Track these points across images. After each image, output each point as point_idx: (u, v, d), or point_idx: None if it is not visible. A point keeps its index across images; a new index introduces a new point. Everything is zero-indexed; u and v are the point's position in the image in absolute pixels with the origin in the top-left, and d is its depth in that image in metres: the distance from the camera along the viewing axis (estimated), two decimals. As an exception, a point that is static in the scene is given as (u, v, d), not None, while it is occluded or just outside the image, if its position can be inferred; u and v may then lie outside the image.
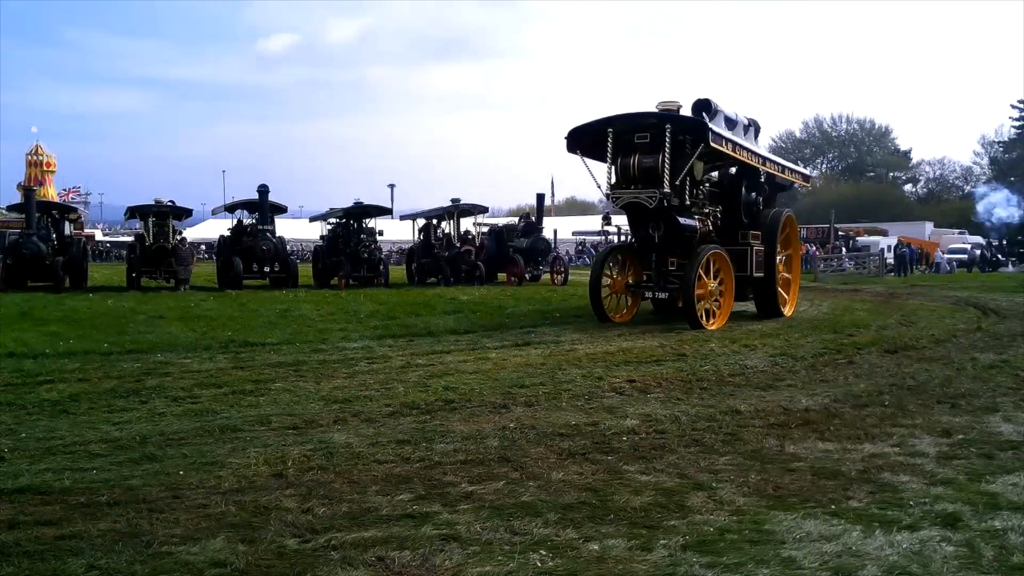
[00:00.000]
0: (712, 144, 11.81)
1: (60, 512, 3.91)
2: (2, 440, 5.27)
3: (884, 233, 49.23)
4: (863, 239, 46.17)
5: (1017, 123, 74.66)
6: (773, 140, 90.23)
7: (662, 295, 12.93)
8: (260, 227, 23.62)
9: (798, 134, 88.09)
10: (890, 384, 7.45)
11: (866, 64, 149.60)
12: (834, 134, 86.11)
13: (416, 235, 28.11)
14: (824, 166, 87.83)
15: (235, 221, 25.59)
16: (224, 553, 3.39)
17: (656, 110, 12.45)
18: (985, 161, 79.21)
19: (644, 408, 6.36)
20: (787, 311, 14.49)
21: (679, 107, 12.58)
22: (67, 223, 25.31)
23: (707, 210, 13.41)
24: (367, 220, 25.71)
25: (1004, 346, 10.06)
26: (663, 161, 11.88)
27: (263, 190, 23.78)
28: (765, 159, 14.19)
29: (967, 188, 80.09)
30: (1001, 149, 77.14)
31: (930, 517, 3.87)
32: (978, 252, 42.59)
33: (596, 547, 3.49)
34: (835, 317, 13.85)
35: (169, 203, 24.97)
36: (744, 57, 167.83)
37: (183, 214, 25.59)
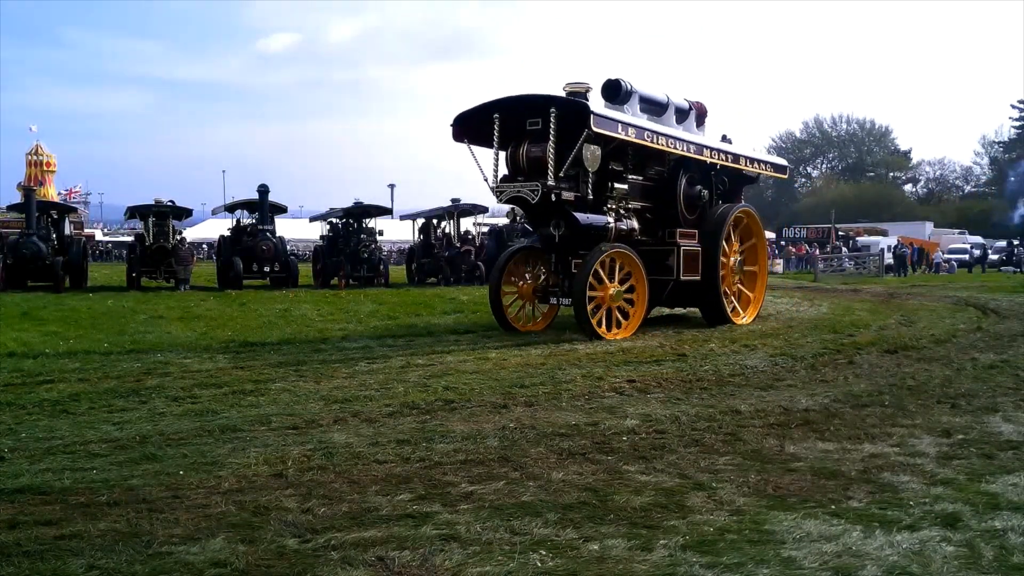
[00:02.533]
0: (595, 129, 10.35)
1: (60, 512, 3.91)
2: (2, 440, 5.28)
3: (884, 233, 49.23)
4: (863, 239, 46.15)
5: (1017, 123, 74.76)
6: (773, 140, 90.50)
7: (566, 302, 11.39)
8: (260, 227, 23.63)
9: (798, 134, 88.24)
10: (890, 384, 7.45)
11: (866, 64, 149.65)
12: (834, 134, 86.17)
13: (416, 235, 28.11)
14: (824, 166, 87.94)
15: (235, 221, 25.61)
16: (224, 553, 3.39)
17: (545, 93, 11.08)
18: (985, 161, 79.32)
19: (644, 408, 6.36)
20: (744, 318, 13.15)
21: (587, 90, 11.12)
22: (67, 223, 25.33)
23: (630, 205, 12.08)
24: (367, 220, 25.73)
25: (1004, 346, 10.06)
26: (548, 149, 10.63)
27: (263, 190, 23.80)
28: (703, 147, 12.66)
29: (967, 188, 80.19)
30: (1001, 149, 77.18)
31: (930, 517, 3.87)
32: (978, 252, 42.59)
33: (596, 547, 3.48)
34: (835, 317, 13.85)
35: (169, 203, 24.99)
36: (744, 57, 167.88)
37: (183, 214, 25.61)
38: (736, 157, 13.63)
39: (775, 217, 75.53)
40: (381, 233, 26.63)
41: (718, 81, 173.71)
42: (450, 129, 11.74)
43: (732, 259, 13.14)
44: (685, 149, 12.21)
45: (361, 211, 25.52)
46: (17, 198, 34.07)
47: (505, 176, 11.35)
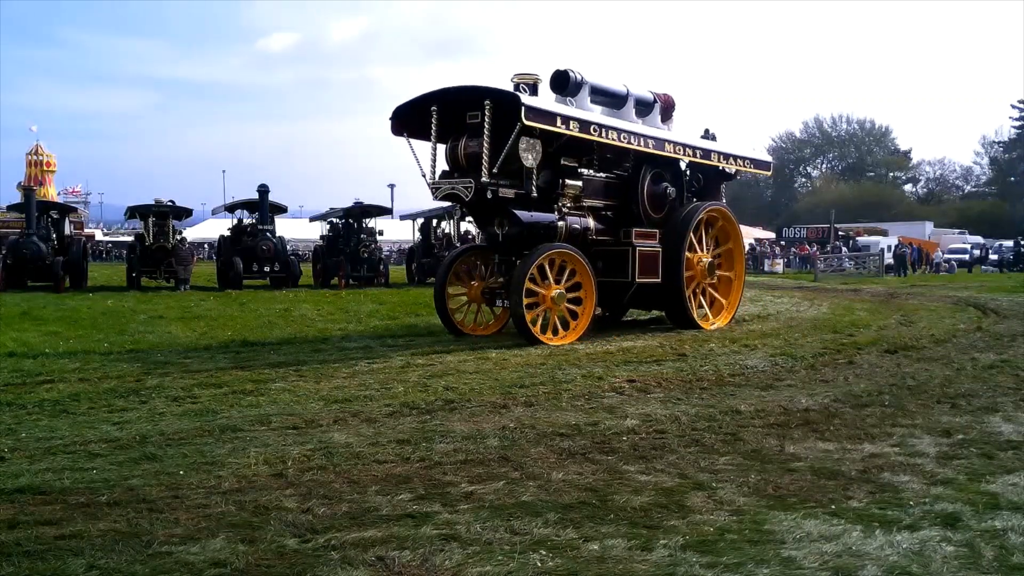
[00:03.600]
0: (528, 122, 9.79)
1: (60, 512, 3.90)
2: (2, 440, 5.27)
3: (884, 233, 49.20)
4: (863, 239, 46.15)
5: (1017, 123, 74.71)
6: (773, 140, 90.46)
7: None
8: (260, 227, 23.64)
9: (798, 134, 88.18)
10: (890, 384, 7.45)
11: (866, 64, 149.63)
12: (834, 134, 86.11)
13: (416, 235, 28.09)
14: (824, 166, 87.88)
15: (237, 221, 25.62)
16: (224, 553, 3.39)
17: (480, 84, 10.54)
18: (985, 161, 79.31)
19: (644, 408, 6.36)
20: (716, 321, 12.57)
21: (536, 81, 10.70)
22: (67, 223, 25.33)
23: (585, 203, 11.45)
24: (367, 220, 25.73)
25: (1004, 346, 10.06)
26: (483, 144, 10.14)
27: (263, 190, 23.81)
28: (665, 142, 11.90)
29: (967, 188, 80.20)
30: (1001, 149, 77.15)
31: (930, 517, 3.87)
32: (978, 252, 42.59)
33: (596, 547, 3.48)
34: (835, 317, 13.85)
35: (169, 203, 25.01)
36: (744, 57, 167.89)
37: (183, 214, 25.63)
38: (707, 152, 12.82)
39: (775, 217, 75.55)
40: (381, 233, 26.64)
41: (718, 81, 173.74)
42: (388, 123, 11.19)
43: (702, 261, 12.48)
44: (642, 144, 11.48)
45: (361, 211, 25.53)
46: (17, 198, 34.08)
47: (445, 172, 10.92)
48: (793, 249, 45.56)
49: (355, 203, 26.36)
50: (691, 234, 12.15)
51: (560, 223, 10.92)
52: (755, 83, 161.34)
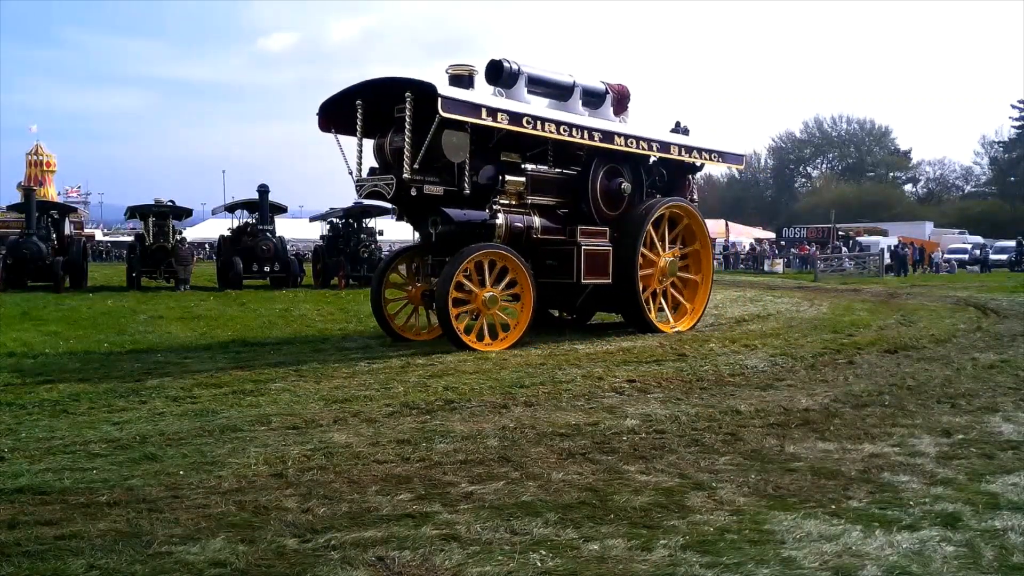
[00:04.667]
0: (446, 113, 9.16)
1: (60, 512, 3.90)
2: (2, 440, 5.28)
3: (884, 233, 49.20)
4: (864, 239, 46.15)
5: (1017, 123, 74.72)
6: (773, 140, 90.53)
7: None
8: (260, 227, 23.65)
9: (798, 134, 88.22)
10: (890, 384, 7.45)
11: (866, 64, 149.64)
12: (834, 134, 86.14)
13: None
14: (824, 166, 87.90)
15: (238, 222, 25.62)
16: (224, 553, 3.39)
17: (402, 76, 9.87)
18: (985, 161, 79.33)
19: (644, 408, 6.36)
20: (679, 324, 12.01)
21: (471, 72, 10.24)
22: (67, 223, 25.34)
23: (530, 200, 10.88)
24: (367, 220, 25.72)
25: (1004, 346, 10.06)
26: (405, 138, 9.56)
27: (263, 190, 23.81)
28: (613, 134, 11.12)
29: (967, 188, 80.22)
30: (1001, 149, 77.16)
31: (930, 517, 3.87)
32: (978, 252, 42.59)
33: (596, 547, 3.48)
34: (835, 317, 13.85)
35: (169, 203, 25.02)
36: (744, 57, 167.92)
37: (183, 214, 25.65)
38: (665, 145, 12.00)
39: (775, 217, 75.54)
40: (381, 233, 26.62)
41: (719, 81, 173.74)
42: (316, 119, 10.63)
43: (662, 260, 11.86)
44: (586, 137, 10.78)
45: (361, 211, 25.51)
46: (17, 198, 34.08)
47: (373, 169, 10.38)
48: (793, 249, 45.56)
49: (355, 203, 26.34)
50: (647, 232, 11.53)
51: (499, 221, 10.34)
52: (755, 83, 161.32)
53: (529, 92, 11.01)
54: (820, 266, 32.96)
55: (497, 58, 10.64)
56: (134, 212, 25.09)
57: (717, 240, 54.21)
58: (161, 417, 5.99)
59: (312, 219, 32.28)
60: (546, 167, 11.40)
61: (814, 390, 7.16)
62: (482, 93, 10.20)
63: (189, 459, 4.83)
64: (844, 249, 42.20)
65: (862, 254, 38.09)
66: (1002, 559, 3.37)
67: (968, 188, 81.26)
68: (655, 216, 11.68)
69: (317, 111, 10.55)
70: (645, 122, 12.69)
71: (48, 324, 12.41)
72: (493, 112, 9.71)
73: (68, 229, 25.26)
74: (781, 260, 41.95)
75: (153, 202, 24.86)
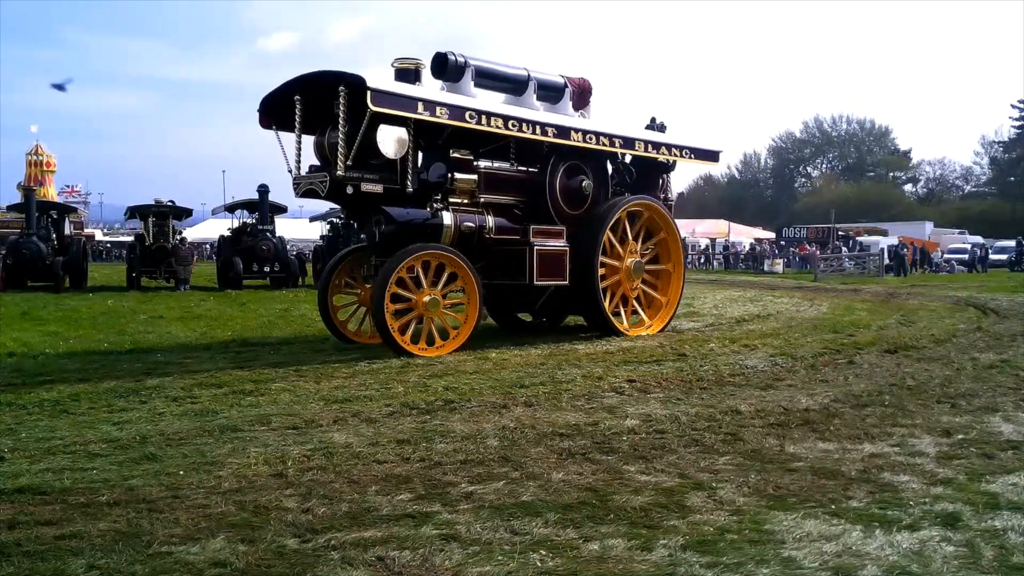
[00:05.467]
0: (376, 107, 8.75)
1: (60, 512, 3.91)
2: (2, 440, 5.28)
3: (884, 233, 49.20)
4: (863, 239, 46.16)
5: (1017, 123, 74.74)
6: (773, 140, 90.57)
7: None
8: (260, 227, 23.66)
9: (798, 134, 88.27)
10: (890, 384, 7.45)
11: (866, 64, 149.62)
12: (834, 134, 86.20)
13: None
14: (824, 166, 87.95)
15: (239, 222, 25.63)
16: (224, 553, 3.39)
17: (335, 69, 9.39)
18: (985, 161, 79.37)
19: (644, 408, 6.36)
20: (647, 328, 11.50)
21: (418, 66, 9.86)
22: (67, 223, 25.36)
23: (483, 199, 10.41)
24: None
25: (1004, 346, 10.06)
26: (339, 133, 9.22)
27: (263, 190, 23.83)
28: (570, 130, 10.69)
29: (967, 188, 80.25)
30: (1001, 149, 77.19)
31: (930, 517, 3.87)
32: (978, 252, 42.61)
33: (596, 547, 3.49)
34: (835, 317, 13.85)
35: (169, 203, 25.04)
36: (745, 57, 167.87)
37: (183, 214, 25.67)
38: (630, 142, 11.50)
39: (775, 217, 75.56)
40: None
41: (719, 81, 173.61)
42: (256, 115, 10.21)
43: (626, 261, 11.39)
44: (538, 132, 10.30)
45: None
46: (17, 198, 34.09)
47: (314, 167, 9.98)
48: (793, 249, 45.57)
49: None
50: (609, 232, 11.05)
51: (447, 221, 9.88)
52: (755, 83, 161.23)
53: (480, 86, 10.66)
54: (820, 266, 32.96)
55: (443, 51, 10.31)
56: (134, 212, 25.12)
57: (717, 240, 54.48)
58: (161, 417, 6.00)
59: (312, 219, 32.33)
60: (506, 164, 10.96)
61: (814, 390, 7.16)
62: (422, 87, 9.76)
63: (189, 459, 4.83)
64: (844, 249, 42.20)
65: (862, 254, 38.09)
66: (1002, 559, 3.37)
67: (968, 188, 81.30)
68: (617, 215, 11.18)
69: (258, 107, 10.15)
70: (618, 118, 12.38)
71: (48, 324, 12.42)
72: (431, 106, 9.29)
73: (68, 229, 25.28)
74: (781, 260, 41.95)
75: (153, 202, 24.87)
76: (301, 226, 44.53)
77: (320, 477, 4.50)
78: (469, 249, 10.14)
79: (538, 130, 10.33)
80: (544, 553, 3.41)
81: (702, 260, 49.01)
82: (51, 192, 54.36)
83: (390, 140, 9.17)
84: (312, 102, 9.60)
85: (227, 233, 24.98)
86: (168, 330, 11.90)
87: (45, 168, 56.67)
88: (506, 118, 10.02)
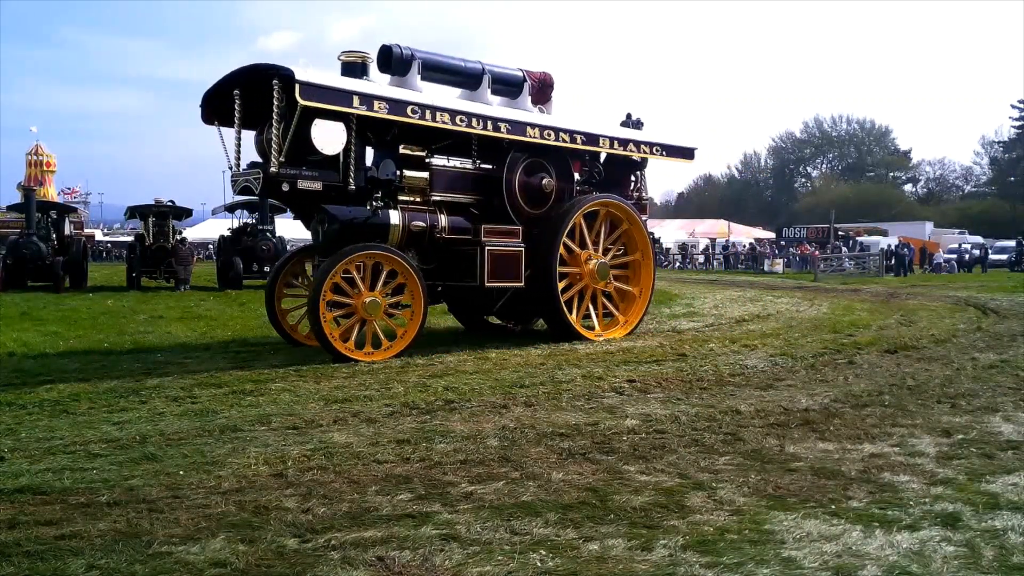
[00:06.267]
0: (306, 101, 8.38)
1: (60, 512, 3.91)
2: (2, 440, 5.28)
3: (884, 233, 49.22)
4: (863, 239, 46.18)
5: (1017, 123, 74.77)
6: (773, 140, 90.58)
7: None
8: (260, 227, 23.66)
9: (798, 134, 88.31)
10: (890, 384, 7.45)
11: (866, 64, 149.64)
12: (834, 134, 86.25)
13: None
14: (824, 166, 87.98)
15: (236, 222, 25.63)
16: (224, 553, 3.39)
17: (272, 63, 8.98)
18: (985, 161, 79.38)
19: (644, 408, 6.36)
20: (612, 332, 11.03)
21: (365, 60, 9.58)
22: (67, 223, 25.36)
23: (436, 197, 10.02)
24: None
25: (1004, 346, 10.06)
26: (272, 128, 8.87)
27: (263, 190, 23.75)
28: (526, 125, 10.26)
29: (967, 188, 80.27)
30: (1001, 149, 77.21)
31: (930, 517, 3.87)
32: (977, 252, 42.62)
33: (596, 547, 3.49)
34: (835, 317, 13.85)
35: (169, 203, 25.04)
36: (745, 57, 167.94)
37: (183, 214, 25.65)
38: (592, 138, 11.03)
39: (775, 217, 75.60)
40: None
41: (719, 81, 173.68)
42: (199, 110, 9.84)
43: (591, 262, 10.91)
44: (490, 128, 9.88)
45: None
46: (17, 198, 34.10)
47: (254, 163, 9.56)
48: (792, 249, 45.58)
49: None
50: (569, 231, 10.66)
51: (394, 221, 9.49)
52: (755, 83, 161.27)
53: (430, 80, 10.33)
54: (820, 266, 32.95)
55: (389, 43, 9.95)
56: (134, 212, 25.11)
57: (717, 240, 54.49)
58: (161, 417, 6.00)
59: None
60: (466, 162, 10.55)
61: (814, 390, 7.16)
62: (362, 81, 9.35)
63: (189, 459, 4.83)
64: (844, 249, 42.20)
65: (862, 254, 38.09)
66: (1002, 559, 3.37)
67: (968, 188, 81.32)
68: (579, 214, 10.74)
69: (200, 102, 9.78)
70: (586, 113, 12.21)
71: (48, 324, 12.42)
72: (368, 100, 8.86)
73: (68, 229, 25.27)
74: (781, 260, 41.94)
75: (153, 202, 24.87)
76: (301, 226, 44.48)
77: (320, 477, 4.50)
78: (420, 249, 9.88)
79: (490, 125, 9.89)
80: (544, 553, 3.41)
81: (702, 260, 49.03)
82: (51, 192, 54.38)
83: (325, 136, 8.80)
84: (253, 96, 9.22)
85: (227, 233, 24.98)
86: (168, 330, 11.89)
87: (45, 168, 56.68)
88: (453, 113, 9.58)
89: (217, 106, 9.69)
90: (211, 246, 49.26)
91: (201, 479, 4.44)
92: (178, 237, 24.31)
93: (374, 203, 9.46)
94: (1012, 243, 42.83)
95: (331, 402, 6.53)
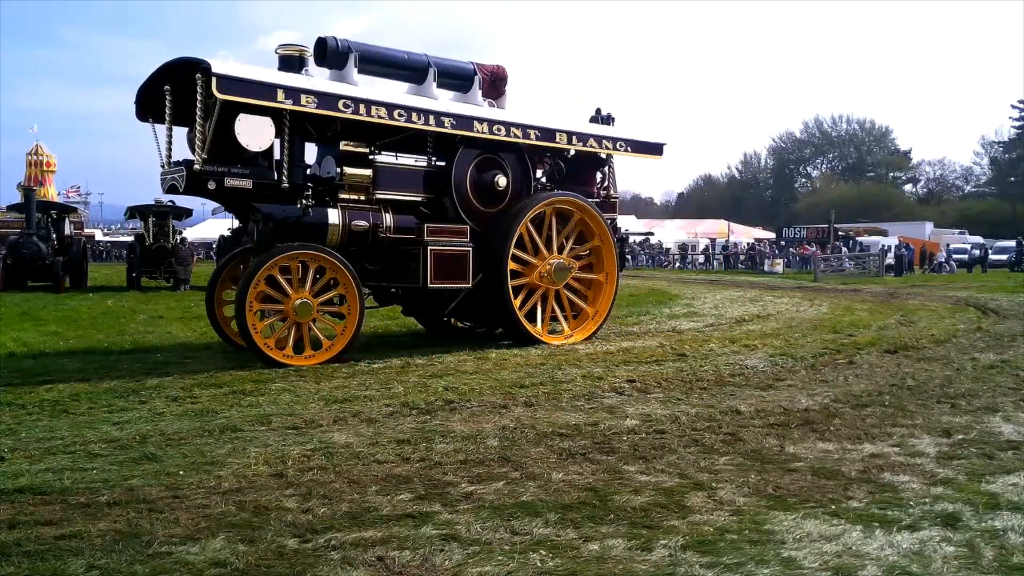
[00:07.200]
0: (223, 95, 8.04)
1: (60, 512, 3.91)
2: (2, 440, 5.28)
3: (884, 233, 49.22)
4: (863, 239, 46.18)
5: (1017, 123, 74.75)
6: (773, 140, 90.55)
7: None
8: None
9: (798, 134, 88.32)
10: (890, 384, 7.45)
11: (866, 64, 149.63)
12: (834, 134, 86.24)
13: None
14: (824, 166, 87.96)
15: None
16: (224, 553, 3.39)
17: (194, 57, 8.54)
18: (985, 161, 79.39)
19: (644, 408, 6.36)
20: (572, 336, 10.63)
21: (302, 53, 9.31)
22: (67, 223, 25.35)
23: (381, 195, 9.54)
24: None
25: (1004, 346, 10.06)
26: (196, 124, 8.56)
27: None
28: (473, 119, 9.85)
29: (967, 188, 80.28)
30: (1001, 149, 77.20)
31: (930, 517, 3.87)
32: (977, 252, 42.65)
33: (596, 547, 3.49)
34: (835, 317, 13.85)
35: (169, 203, 25.02)
36: (745, 57, 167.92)
37: (183, 214, 25.65)
38: (548, 133, 10.57)
39: (775, 217, 75.61)
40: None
41: (719, 81, 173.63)
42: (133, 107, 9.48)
43: (547, 263, 10.48)
44: (432, 122, 9.46)
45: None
46: (17, 198, 34.10)
47: (179, 161, 9.16)
48: (792, 249, 45.59)
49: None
50: (523, 230, 10.20)
51: (333, 219, 9.09)
52: (755, 83, 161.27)
53: (369, 73, 9.99)
54: (820, 266, 32.95)
55: (325, 35, 9.64)
56: (134, 212, 25.10)
57: (717, 240, 54.50)
58: (161, 417, 6.00)
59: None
60: (418, 159, 10.22)
61: (814, 390, 7.16)
62: (289, 75, 8.97)
63: (189, 459, 4.83)
64: (844, 249, 42.20)
65: (862, 254, 38.09)
66: (1002, 559, 3.37)
67: (968, 188, 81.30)
68: (532, 213, 10.29)
69: (134, 98, 9.39)
70: (559, 110, 11.77)
71: (48, 324, 12.42)
72: (294, 94, 8.49)
73: (68, 229, 25.26)
74: (781, 260, 41.94)
75: (153, 202, 24.86)
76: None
77: (320, 477, 4.50)
78: (364, 250, 9.54)
79: (432, 120, 9.45)
80: (544, 553, 3.41)
81: (702, 260, 49.05)
82: (51, 192, 54.36)
83: (250, 131, 8.44)
84: (183, 92, 8.79)
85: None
86: (168, 330, 11.90)
87: (45, 168, 56.66)
88: (391, 107, 9.16)
89: (151, 103, 9.28)
90: (213, 245, 49.32)
91: (201, 479, 4.44)
92: (178, 237, 24.31)
93: (304, 201, 8.97)
94: (1012, 243, 42.83)
95: (331, 402, 6.53)
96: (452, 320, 11.75)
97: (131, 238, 33.50)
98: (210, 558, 3.34)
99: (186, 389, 7.05)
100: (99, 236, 61.01)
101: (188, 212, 26.17)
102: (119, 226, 72.12)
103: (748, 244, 50.92)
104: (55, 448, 5.09)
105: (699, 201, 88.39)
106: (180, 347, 10.02)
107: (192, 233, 45.53)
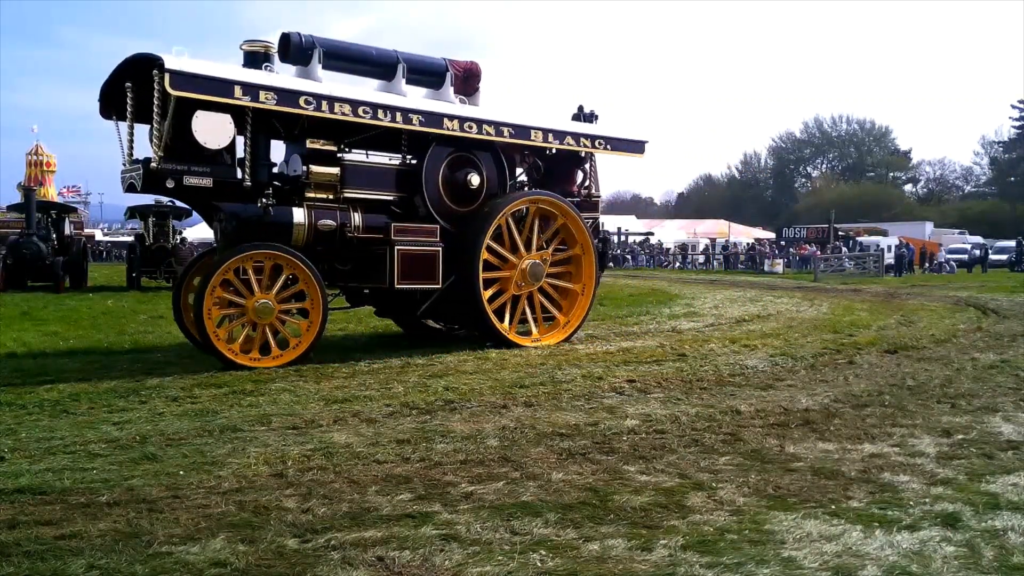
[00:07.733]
0: (176, 91, 7.83)
1: (60, 512, 3.91)
2: (2, 440, 5.28)
3: (884, 233, 49.23)
4: (863, 239, 46.19)
5: (1017, 123, 74.81)
6: (773, 140, 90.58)
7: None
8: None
9: (798, 134, 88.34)
10: (890, 384, 7.45)
11: (866, 64, 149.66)
12: (834, 134, 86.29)
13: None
14: (824, 166, 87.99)
15: None
16: (224, 553, 3.39)
17: (151, 52, 8.33)
18: (985, 161, 79.42)
19: (644, 408, 6.36)
20: (547, 337, 10.37)
21: (267, 49, 9.12)
22: (67, 223, 25.35)
23: (349, 194, 9.33)
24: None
25: (1004, 346, 10.06)
26: (153, 121, 8.36)
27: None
28: (443, 117, 9.60)
29: (967, 188, 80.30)
30: (1001, 149, 77.23)
31: (930, 517, 3.87)
32: (977, 252, 42.66)
33: (596, 547, 3.49)
34: (835, 317, 13.85)
35: (169, 203, 25.01)
36: (745, 57, 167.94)
37: (183, 214, 25.63)
38: (523, 130, 10.27)
39: (775, 217, 75.62)
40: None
41: (719, 81, 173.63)
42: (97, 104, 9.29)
43: (522, 263, 10.21)
44: (399, 119, 9.24)
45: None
46: (17, 198, 34.09)
47: (137, 159, 8.97)
48: (792, 249, 45.59)
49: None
50: (495, 229, 10.01)
51: (298, 219, 8.92)
52: (755, 83, 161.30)
53: (335, 69, 9.77)
54: (820, 266, 32.95)
55: (289, 31, 9.41)
56: (134, 212, 25.11)
57: (717, 240, 54.51)
58: (161, 417, 6.00)
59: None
60: (392, 157, 10.06)
61: (814, 390, 7.16)
62: (246, 70, 8.79)
63: (189, 459, 4.83)
64: (844, 249, 42.20)
65: (862, 254, 38.10)
66: (1002, 559, 3.37)
67: (968, 188, 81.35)
68: (505, 212, 10.08)
69: (98, 96, 9.20)
70: (541, 108, 11.52)
71: (48, 324, 12.42)
72: (253, 90, 8.26)
73: (68, 229, 25.26)
74: (781, 260, 41.95)
75: (153, 202, 24.86)
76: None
77: (320, 477, 4.50)
78: (332, 250, 9.35)
79: (399, 117, 9.22)
80: (544, 553, 3.41)
81: (702, 260, 49.05)
82: (51, 192, 54.33)
83: (208, 128, 8.27)
84: (145, 89, 8.54)
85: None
86: (168, 330, 11.89)
87: (45, 168, 56.61)
88: (356, 104, 8.93)
89: (114, 100, 9.03)
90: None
91: (201, 479, 4.44)
92: (178, 237, 24.31)
93: (264, 200, 8.77)
94: (1012, 243, 42.84)
95: (331, 402, 6.53)
96: (428, 321, 11.57)
97: (131, 238, 33.50)
98: (210, 558, 3.34)
99: (186, 389, 7.05)
100: (99, 236, 61.02)
101: (188, 212, 26.13)
102: (119, 226, 72.13)
103: (748, 244, 50.92)
104: (55, 448, 5.09)
105: (699, 201, 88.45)
106: (180, 347, 10.01)
107: (192, 233, 45.52)
